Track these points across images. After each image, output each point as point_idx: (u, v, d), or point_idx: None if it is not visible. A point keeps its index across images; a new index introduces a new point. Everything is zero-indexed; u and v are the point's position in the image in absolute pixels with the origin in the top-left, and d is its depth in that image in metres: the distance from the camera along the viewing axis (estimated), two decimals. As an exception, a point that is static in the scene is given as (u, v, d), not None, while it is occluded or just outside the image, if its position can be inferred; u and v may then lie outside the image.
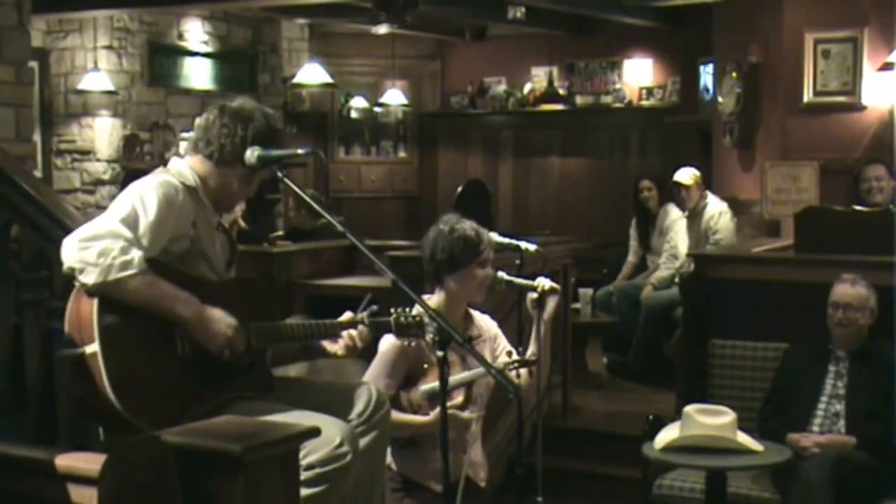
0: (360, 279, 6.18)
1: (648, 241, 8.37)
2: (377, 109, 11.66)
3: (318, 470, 2.90)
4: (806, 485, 4.48)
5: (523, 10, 9.53)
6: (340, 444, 2.91)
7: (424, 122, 12.19)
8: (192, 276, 2.98)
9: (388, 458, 3.56)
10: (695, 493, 4.81)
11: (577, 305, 7.57)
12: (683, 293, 5.90)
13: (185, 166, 3.08)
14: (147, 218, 2.88)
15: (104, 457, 2.56)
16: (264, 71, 10.85)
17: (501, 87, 11.78)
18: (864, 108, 7.46)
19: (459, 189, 9.99)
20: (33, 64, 8.15)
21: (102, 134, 9.60)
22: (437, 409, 3.07)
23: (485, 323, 3.88)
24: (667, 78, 10.89)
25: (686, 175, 7.82)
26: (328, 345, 3.26)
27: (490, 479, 3.99)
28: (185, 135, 8.82)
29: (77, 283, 2.86)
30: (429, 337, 3.21)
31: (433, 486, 3.60)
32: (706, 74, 9.89)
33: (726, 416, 4.47)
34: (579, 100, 11.30)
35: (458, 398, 3.58)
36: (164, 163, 3.18)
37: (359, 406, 3.11)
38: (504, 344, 3.87)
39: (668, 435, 4.55)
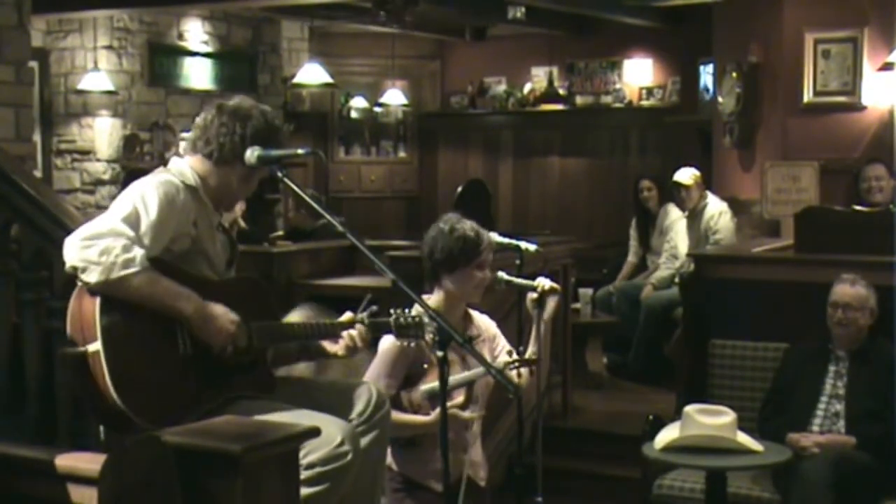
0: (360, 279, 6.17)
1: (648, 241, 8.38)
2: (377, 109, 11.66)
3: (318, 469, 2.90)
4: (806, 485, 4.48)
5: (523, 10, 9.53)
6: (341, 444, 2.91)
7: (424, 122, 12.19)
8: (193, 274, 2.99)
9: (389, 459, 3.56)
10: (695, 493, 4.81)
11: (577, 305, 7.57)
12: (683, 293, 5.90)
13: (185, 166, 3.08)
14: (148, 217, 2.89)
15: (104, 457, 2.56)
16: (264, 71, 10.85)
17: (501, 87, 11.78)
18: (864, 108, 7.46)
19: (459, 189, 9.99)
20: (33, 64, 8.14)
21: (102, 134, 9.60)
22: (438, 409, 3.06)
23: (484, 323, 3.88)
24: (667, 78, 10.89)
25: (686, 175, 7.83)
26: (328, 345, 3.26)
27: (490, 479, 3.98)
28: (184, 135, 8.81)
29: (79, 283, 2.86)
30: (428, 337, 3.21)
31: (434, 485, 3.60)
32: (706, 74, 9.89)
33: (726, 416, 4.47)
34: (579, 100, 11.30)
35: (459, 398, 3.58)
36: (164, 163, 3.18)
37: (359, 406, 3.12)
38: (503, 343, 3.87)
39: (668, 435, 4.55)
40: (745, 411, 4.82)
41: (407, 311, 3.27)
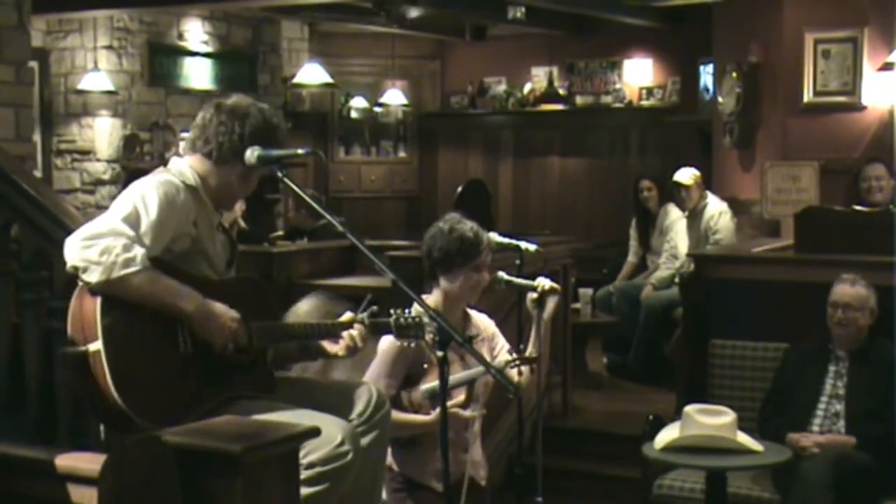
0: (360, 279, 6.18)
1: (648, 241, 8.38)
2: (377, 109, 11.66)
3: (318, 469, 2.90)
4: (806, 485, 4.48)
5: (523, 10, 9.53)
6: (341, 443, 2.91)
7: (424, 122, 12.19)
8: (194, 274, 2.99)
9: (389, 459, 3.55)
10: (695, 493, 4.81)
11: (577, 305, 7.57)
12: (683, 293, 5.90)
13: (185, 166, 3.08)
14: (149, 217, 2.89)
15: (104, 457, 2.56)
16: (264, 71, 10.85)
17: (501, 87, 11.78)
18: (864, 108, 7.46)
19: (459, 189, 9.99)
20: (33, 64, 8.14)
21: (102, 134, 9.60)
22: (439, 409, 3.06)
23: (482, 322, 3.88)
24: (667, 78, 10.89)
25: (686, 175, 7.83)
26: (328, 345, 3.26)
27: (490, 479, 3.99)
28: (184, 135, 8.83)
29: (80, 283, 2.86)
30: (428, 337, 3.21)
31: (434, 485, 3.60)
32: (706, 74, 9.89)
33: (726, 416, 4.47)
34: (579, 100, 11.30)
35: (460, 396, 3.58)
36: (164, 163, 3.18)
37: (359, 406, 3.11)
38: (502, 342, 3.87)
39: (668, 435, 4.55)
40: (745, 411, 4.82)
41: (407, 311, 3.27)
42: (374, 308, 3.26)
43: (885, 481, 4.59)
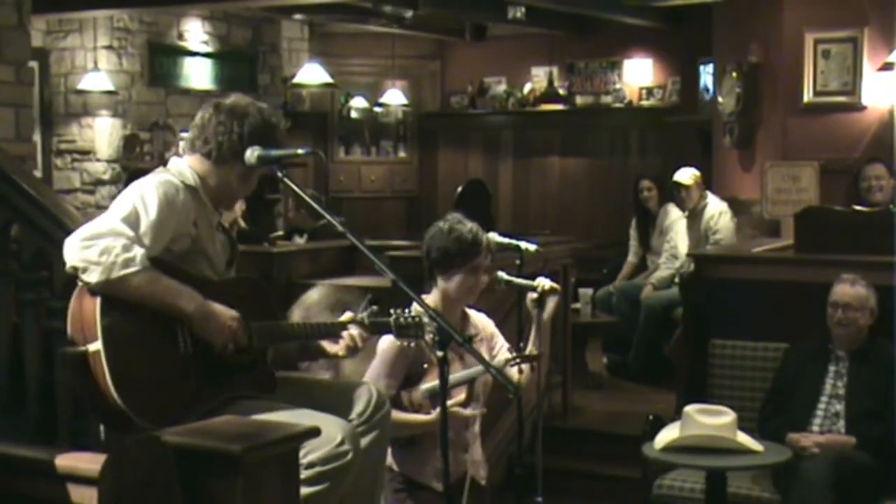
0: (360, 279, 6.17)
1: (648, 241, 8.38)
2: (377, 109, 11.66)
3: (318, 468, 2.90)
4: (806, 485, 4.48)
5: (523, 10, 9.53)
6: (341, 443, 2.91)
7: (424, 122, 12.18)
8: (194, 274, 2.99)
9: (389, 459, 3.55)
10: (695, 493, 4.81)
11: (577, 305, 7.57)
12: (683, 293, 5.90)
13: (184, 166, 3.08)
14: (148, 217, 2.89)
15: (104, 457, 2.56)
16: (264, 71, 10.85)
17: (501, 87, 11.77)
18: (864, 108, 7.46)
19: (459, 189, 9.98)
20: (33, 64, 8.14)
21: (102, 134, 9.60)
22: (439, 408, 3.06)
23: (481, 321, 3.88)
24: (667, 78, 10.88)
25: (686, 175, 7.83)
26: (328, 345, 3.26)
27: (490, 479, 3.98)
28: (184, 135, 8.83)
29: (80, 283, 2.86)
30: (428, 337, 3.21)
31: (435, 485, 3.60)
32: (706, 74, 9.89)
33: (726, 416, 4.47)
34: (579, 100, 11.30)
35: (461, 395, 3.58)
36: (164, 163, 3.17)
37: (359, 406, 3.11)
38: (501, 342, 3.87)
39: (668, 435, 4.55)
40: (745, 411, 4.82)
41: (407, 310, 3.27)
42: (374, 308, 3.26)
43: (885, 481, 4.59)
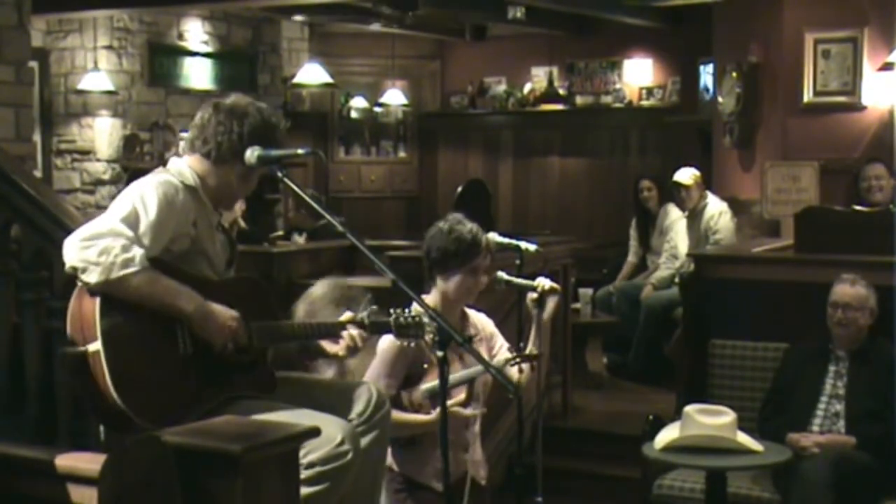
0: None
1: (648, 241, 8.38)
2: (377, 109, 11.66)
3: (318, 468, 2.90)
4: (806, 485, 4.48)
5: (523, 10, 9.53)
6: (341, 443, 2.91)
7: (424, 122, 12.18)
8: (193, 274, 2.99)
9: (389, 459, 3.55)
10: (695, 493, 4.81)
11: (577, 305, 7.57)
12: (683, 293, 5.90)
13: (184, 166, 3.08)
14: (148, 217, 2.89)
15: (104, 457, 2.56)
16: (264, 71, 10.85)
17: (501, 87, 11.78)
18: (864, 108, 7.46)
19: (459, 189, 9.99)
20: (33, 64, 8.14)
21: (102, 134, 9.60)
22: (439, 408, 3.06)
23: (480, 321, 3.88)
24: (667, 78, 10.88)
25: (686, 175, 7.83)
26: (328, 345, 3.26)
27: (490, 479, 3.98)
28: (184, 135, 8.83)
29: (79, 283, 2.86)
30: (428, 337, 3.21)
31: (435, 485, 3.60)
32: (706, 74, 9.89)
33: (726, 416, 4.47)
34: (579, 100, 11.30)
35: (461, 395, 3.57)
36: (164, 163, 3.17)
37: (359, 406, 3.11)
38: (501, 342, 3.87)
39: (668, 435, 4.55)
40: (745, 411, 4.82)
41: (407, 310, 3.27)
42: (374, 307, 3.26)
43: (885, 481, 4.59)
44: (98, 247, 2.80)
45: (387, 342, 3.57)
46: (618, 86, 11.10)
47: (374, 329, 3.25)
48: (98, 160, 9.59)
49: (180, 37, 10.10)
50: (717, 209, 7.74)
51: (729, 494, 4.67)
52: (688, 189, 7.80)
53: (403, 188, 12.28)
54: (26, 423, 3.49)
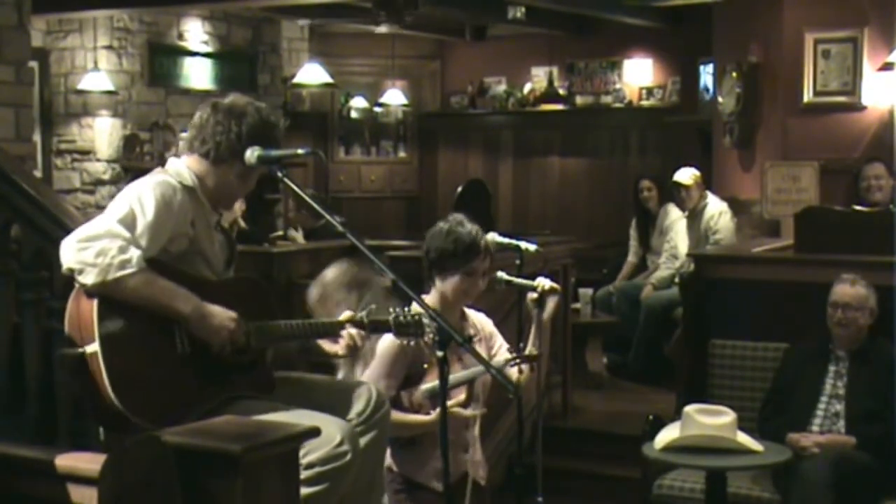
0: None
1: (648, 241, 8.38)
2: (377, 109, 11.66)
3: (318, 469, 2.90)
4: (806, 485, 4.48)
5: (523, 10, 9.53)
6: (341, 443, 2.91)
7: (424, 122, 12.19)
8: (191, 275, 2.98)
9: (389, 459, 3.55)
10: (695, 493, 4.81)
11: (577, 305, 7.57)
12: (683, 293, 5.90)
13: (182, 166, 3.07)
14: (145, 218, 2.88)
15: (104, 457, 2.56)
16: (264, 71, 10.85)
17: (501, 87, 11.78)
18: (864, 108, 7.46)
19: (459, 189, 9.99)
20: (33, 64, 8.14)
21: (102, 134, 9.60)
22: (439, 409, 3.06)
23: (480, 321, 3.87)
24: (667, 78, 10.89)
25: (686, 175, 7.83)
26: (327, 345, 3.25)
27: (490, 479, 3.98)
28: (184, 135, 8.83)
29: (77, 284, 2.85)
30: (428, 337, 3.21)
31: (434, 485, 3.59)
32: (706, 74, 9.89)
33: (726, 416, 4.47)
34: (579, 100, 11.30)
35: (461, 396, 3.57)
36: (164, 163, 3.17)
37: (358, 405, 3.11)
38: (500, 342, 3.87)
39: (668, 435, 4.55)
40: (745, 411, 4.82)
41: (406, 309, 3.27)
42: (373, 307, 3.26)
43: (885, 481, 4.59)
44: (95, 248, 2.80)
45: (387, 342, 3.57)
46: (618, 86, 11.10)
47: (374, 328, 3.24)
48: (98, 160, 9.59)
49: (180, 37, 10.10)
50: (717, 209, 7.74)
51: (729, 494, 4.67)
52: (688, 189, 7.80)
53: (403, 188, 12.29)
54: (26, 423, 3.49)
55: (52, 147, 9.66)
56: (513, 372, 3.60)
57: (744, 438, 4.48)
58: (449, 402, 3.08)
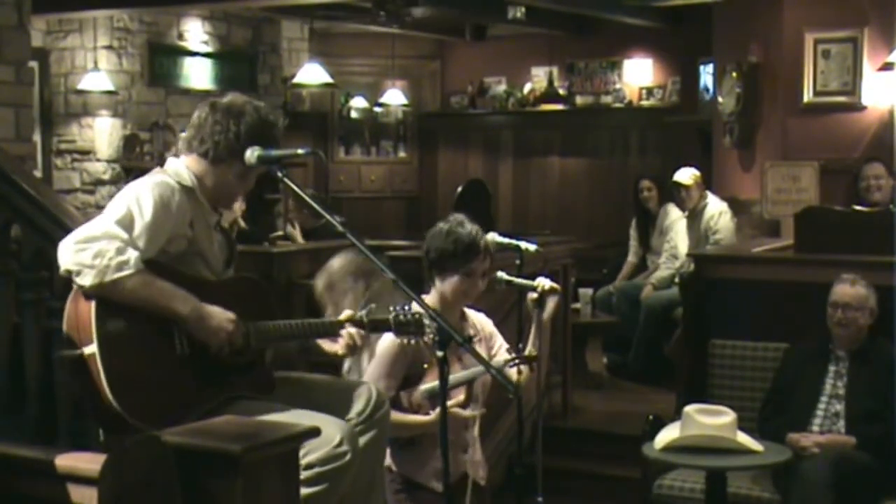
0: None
1: (648, 241, 8.38)
2: (377, 109, 11.66)
3: (317, 469, 2.89)
4: (806, 485, 4.48)
5: (523, 10, 9.53)
6: (340, 444, 2.91)
7: (424, 122, 12.19)
8: (190, 275, 2.98)
9: (388, 460, 3.55)
10: (695, 493, 4.81)
11: (577, 305, 7.57)
12: (683, 293, 5.90)
13: (181, 166, 3.06)
14: (143, 219, 2.88)
15: (104, 457, 2.56)
16: (264, 71, 10.85)
17: (501, 87, 11.78)
18: (864, 108, 7.46)
19: (459, 189, 9.99)
20: (33, 64, 8.14)
21: (102, 134, 9.60)
22: (439, 409, 3.06)
23: (480, 321, 3.87)
24: (667, 78, 10.88)
25: (686, 175, 7.83)
26: (327, 345, 3.25)
27: (490, 479, 3.98)
28: (183, 135, 8.81)
29: (74, 286, 2.85)
30: (428, 337, 3.21)
31: (434, 485, 3.59)
32: (706, 74, 9.89)
33: (726, 416, 4.47)
34: (579, 100, 11.30)
35: (460, 396, 3.57)
36: (163, 163, 3.16)
37: (358, 405, 3.11)
38: (500, 342, 3.87)
39: (668, 435, 4.55)
40: (745, 411, 4.82)
41: (406, 307, 3.26)
42: (373, 306, 3.25)
43: (885, 481, 4.59)
44: (92, 250, 2.80)
45: (386, 342, 3.57)
46: (618, 86, 11.10)
47: (373, 327, 3.23)
48: (98, 160, 9.59)
49: (180, 37, 10.10)
50: (717, 209, 7.74)
51: (729, 494, 4.67)
52: (688, 189, 7.80)
53: (403, 188, 12.29)
54: (26, 423, 3.49)
55: (52, 147, 9.66)
56: (512, 372, 3.60)
57: (744, 438, 4.48)
58: (448, 403, 3.08)
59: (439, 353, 2.85)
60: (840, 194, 7.19)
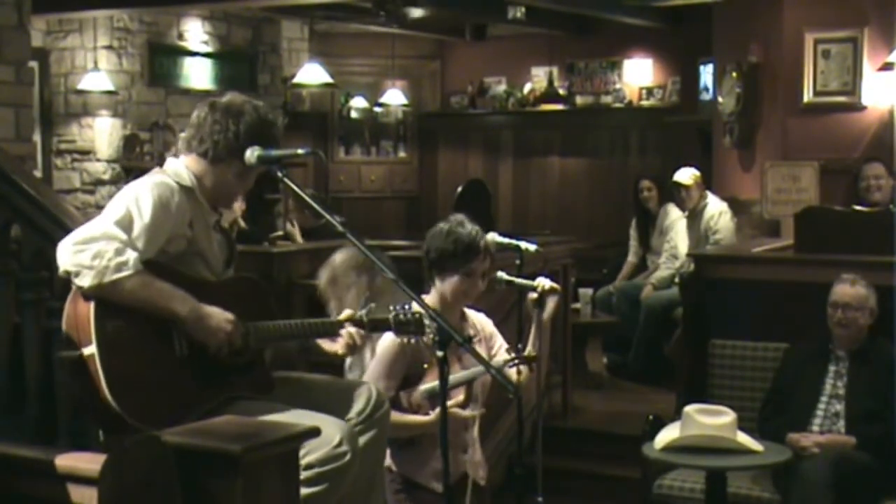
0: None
1: (648, 241, 8.38)
2: (377, 109, 11.66)
3: (317, 469, 2.89)
4: (806, 485, 4.48)
5: (523, 10, 9.54)
6: (340, 444, 2.91)
7: (424, 122, 12.19)
8: (190, 276, 2.97)
9: (388, 460, 3.55)
10: (695, 493, 4.81)
11: (577, 305, 7.57)
12: (683, 293, 5.90)
13: (180, 166, 3.06)
14: (142, 220, 2.87)
15: (104, 457, 2.55)
16: (264, 71, 10.85)
17: (501, 87, 11.78)
18: (864, 108, 7.46)
19: (459, 189, 9.99)
20: (33, 64, 8.15)
21: (102, 134, 9.60)
22: (438, 409, 3.06)
23: (480, 321, 3.87)
24: (667, 78, 10.89)
25: (686, 175, 7.83)
26: (326, 344, 3.25)
27: (490, 479, 3.98)
28: (183, 135, 8.81)
29: (73, 287, 2.85)
30: (428, 337, 3.20)
31: (434, 486, 3.59)
32: (706, 74, 9.89)
33: (726, 416, 4.47)
34: (579, 100, 11.30)
35: (460, 396, 3.57)
36: (163, 163, 3.16)
37: (358, 405, 3.11)
38: (500, 342, 3.86)
39: (668, 435, 4.55)
40: (745, 411, 4.82)
41: (406, 307, 3.26)
42: (373, 305, 3.25)
43: (885, 481, 4.59)
44: (91, 250, 2.79)
45: (386, 342, 3.57)
46: (618, 86, 11.10)
47: (373, 326, 3.23)
48: (98, 160, 9.59)
49: (180, 37, 10.10)
50: (717, 209, 7.74)
51: (729, 494, 4.67)
52: (688, 189, 7.79)
53: (403, 188, 12.29)
54: (26, 423, 3.49)
55: (52, 147, 9.67)
56: (512, 372, 3.60)
57: (744, 438, 4.48)
58: (448, 403, 3.08)
59: (439, 353, 2.84)
60: (840, 194, 7.19)
